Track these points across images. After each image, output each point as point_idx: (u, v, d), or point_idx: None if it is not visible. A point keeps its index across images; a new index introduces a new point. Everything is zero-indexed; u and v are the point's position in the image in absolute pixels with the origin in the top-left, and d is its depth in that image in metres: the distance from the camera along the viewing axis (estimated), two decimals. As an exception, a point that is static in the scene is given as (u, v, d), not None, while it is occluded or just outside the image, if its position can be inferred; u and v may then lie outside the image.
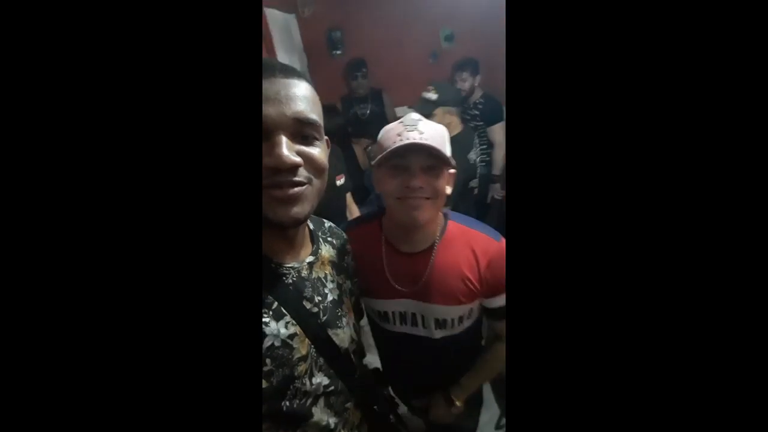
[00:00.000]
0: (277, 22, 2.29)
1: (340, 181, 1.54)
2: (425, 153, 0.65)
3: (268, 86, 0.44)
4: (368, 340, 0.92)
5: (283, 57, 2.28)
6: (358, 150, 1.88)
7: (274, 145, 0.44)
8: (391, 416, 0.77)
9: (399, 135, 0.66)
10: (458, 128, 1.71)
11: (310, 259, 0.58)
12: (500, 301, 0.78)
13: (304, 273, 0.56)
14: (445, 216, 0.79)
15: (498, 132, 2.08)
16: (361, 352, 0.67)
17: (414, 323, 0.82)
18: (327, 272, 0.62)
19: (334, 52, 2.74)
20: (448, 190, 0.71)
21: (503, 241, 0.76)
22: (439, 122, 1.60)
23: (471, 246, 0.75)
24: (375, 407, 0.69)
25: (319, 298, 0.57)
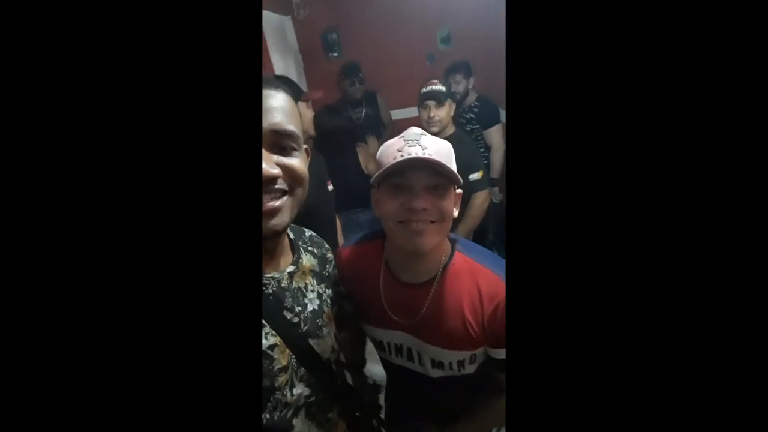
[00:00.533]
0: (272, 24, 2.28)
1: (330, 187, 1.52)
2: (429, 170, 0.59)
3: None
4: (370, 346, 0.89)
5: (277, 59, 2.26)
6: (361, 154, 1.85)
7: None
8: (374, 421, 0.75)
9: (399, 151, 0.59)
10: (451, 129, 1.68)
11: (291, 269, 0.57)
12: (503, 353, 0.67)
13: (284, 283, 0.55)
14: (452, 245, 0.70)
15: (495, 135, 2.05)
16: (341, 361, 0.65)
17: (410, 358, 0.75)
18: (308, 282, 0.61)
19: (330, 54, 2.72)
20: (455, 212, 0.64)
21: None
22: (446, 114, 1.59)
23: (477, 284, 0.66)
24: (357, 414, 0.68)
25: (300, 308, 0.56)
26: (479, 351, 0.70)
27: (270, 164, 0.45)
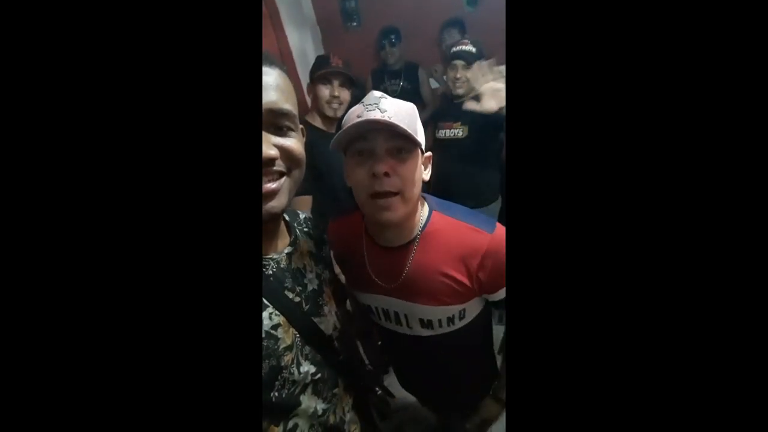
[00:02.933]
0: (285, -5, 2.15)
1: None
2: (389, 133, 0.57)
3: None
4: None
5: (292, 33, 2.15)
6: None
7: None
8: (377, 388, 0.79)
9: (359, 116, 0.57)
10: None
11: (289, 249, 0.58)
12: (503, 294, 0.69)
13: (284, 264, 0.55)
14: (429, 206, 0.71)
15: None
16: (344, 338, 0.66)
17: (398, 322, 0.76)
18: (306, 263, 0.61)
19: (349, 24, 2.57)
20: (426, 176, 0.64)
21: (499, 230, 0.65)
22: (473, 76, 1.44)
23: (460, 240, 0.66)
24: (361, 383, 0.70)
25: (300, 288, 0.57)
26: (468, 305, 0.71)
27: (268, 145, 0.43)
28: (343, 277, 0.80)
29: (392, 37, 2.11)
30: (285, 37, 2.09)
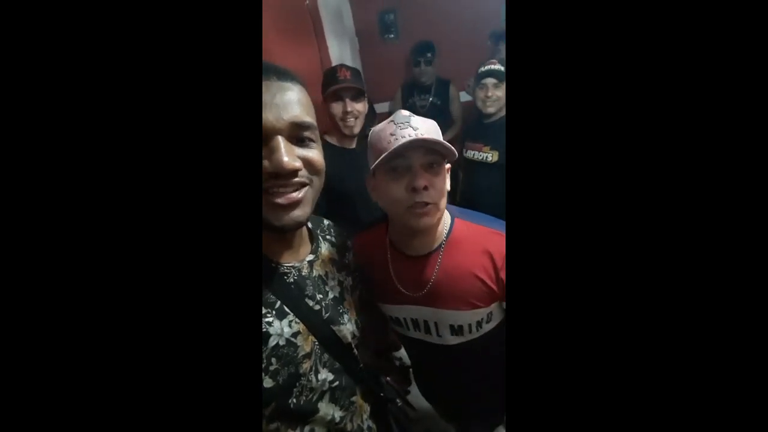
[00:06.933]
0: (330, 7, 2.23)
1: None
2: (424, 149, 0.62)
3: (265, 90, 0.45)
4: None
5: (333, 44, 2.23)
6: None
7: (273, 150, 0.45)
8: (398, 400, 0.79)
9: (393, 135, 0.62)
10: (505, 111, 1.59)
11: (311, 257, 0.59)
12: None
13: (305, 272, 0.57)
14: (451, 214, 0.74)
15: None
16: (362, 345, 0.67)
17: (428, 331, 0.78)
18: (328, 270, 0.62)
19: (386, 36, 2.64)
20: (448, 186, 0.68)
21: None
22: (504, 94, 1.54)
23: (483, 244, 0.69)
24: (381, 394, 0.70)
25: (321, 296, 0.57)
26: (494, 307, 0.73)
27: (292, 157, 0.45)
28: (367, 294, 0.81)
29: (429, 54, 2.11)
30: (326, 48, 2.17)
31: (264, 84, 0.45)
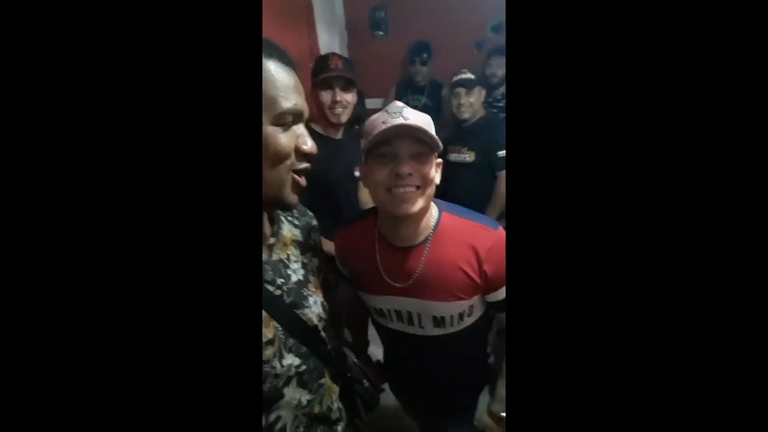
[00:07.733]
0: (321, -3, 2.23)
1: (357, 173, 1.47)
2: (412, 139, 0.64)
3: (291, 77, 0.47)
4: (372, 331, 0.95)
5: (323, 34, 2.23)
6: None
7: (303, 134, 0.49)
8: (364, 381, 0.81)
9: (384, 123, 0.64)
10: (482, 112, 1.74)
11: (271, 241, 0.58)
12: (503, 293, 0.75)
13: (264, 257, 0.56)
14: (439, 207, 0.77)
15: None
16: (330, 326, 0.67)
17: (410, 322, 0.80)
18: (290, 253, 0.61)
19: (376, 32, 2.66)
20: (437, 179, 0.70)
21: (501, 230, 0.74)
22: (476, 100, 1.68)
23: (468, 239, 0.73)
24: (348, 374, 0.72)
25: (282, 280, 0.57)
26: (475, 301, 0.77)
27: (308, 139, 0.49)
28: (333, 279, 0.83)
29: (425, 55, 2.16)
30: (316, 37, 2.17)
31: (288, 71, 0.47)
